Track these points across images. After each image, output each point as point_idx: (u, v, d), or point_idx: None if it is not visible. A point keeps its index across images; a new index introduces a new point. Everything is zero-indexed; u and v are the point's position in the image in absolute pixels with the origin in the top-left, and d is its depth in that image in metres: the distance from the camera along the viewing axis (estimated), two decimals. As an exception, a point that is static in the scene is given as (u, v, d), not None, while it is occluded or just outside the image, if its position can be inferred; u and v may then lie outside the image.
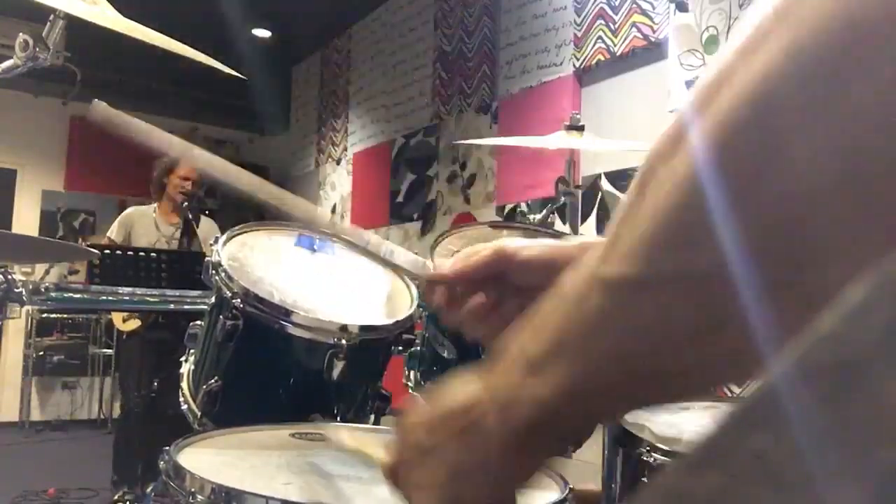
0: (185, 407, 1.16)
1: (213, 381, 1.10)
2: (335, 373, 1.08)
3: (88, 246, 3.67)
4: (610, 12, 3.48)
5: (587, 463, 1.37)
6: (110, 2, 1.17)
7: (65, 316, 6.38)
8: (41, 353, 6.30)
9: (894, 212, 0.26)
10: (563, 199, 2.13)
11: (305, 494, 0.73)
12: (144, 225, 3.79)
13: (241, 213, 5.67)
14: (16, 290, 1.26)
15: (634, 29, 3.34)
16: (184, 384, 1.19)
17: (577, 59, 3.66)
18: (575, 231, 2.29)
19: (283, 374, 1.13)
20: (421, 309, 1.20)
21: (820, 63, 0.27)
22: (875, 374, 0.17)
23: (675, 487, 0.21)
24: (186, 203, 3.74)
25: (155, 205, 3.86)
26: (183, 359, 1.24)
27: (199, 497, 0.71)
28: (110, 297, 1.86)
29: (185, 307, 1.63)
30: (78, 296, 1.78)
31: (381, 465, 0.51)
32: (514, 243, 0.62)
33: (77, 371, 6.45)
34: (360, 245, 0.71)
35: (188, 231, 3.78)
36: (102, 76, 5.49)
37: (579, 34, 3.65)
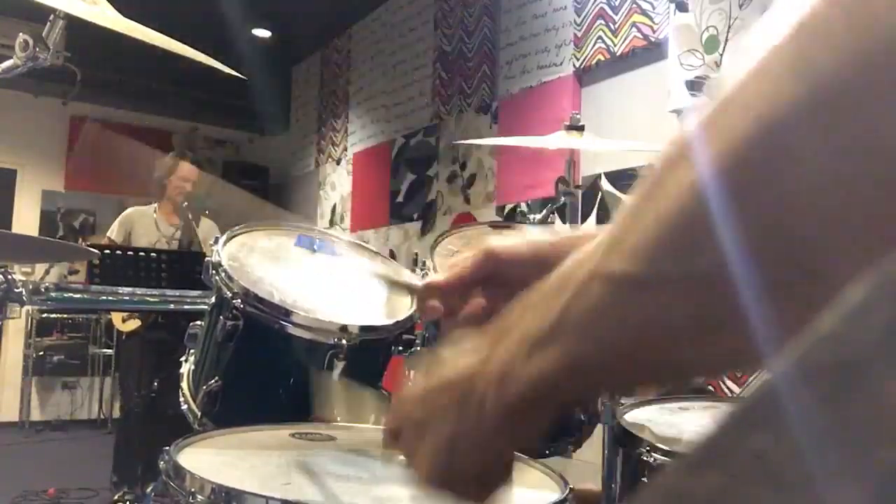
0: (185, 407, 1.16)
1: (213, 381, 1.10)
2: (335, 373, 1.08)
3: (88, 246, 3.67)
4: (610, 12, 3.48)
5: (587, 463, 1.37)
6: (110, 2, 1.17)
7: (65, 316, 6.38)
8: (41, 353, 6.30)
9: (894, 225, 0.27)
10: (563, 199, 2.13)
11: (305, 494, 0.73)
12: (145, 225, 3.79)
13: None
14: (16, 290, 1.26)
15: (634, 29, 3.34)
16: (184, 384, 1.19)
17: (577, 59, 3.66)
18: (575, 231, 2.29)
19: (283, 374, 1.13)
20: (418, 319, 1.20)
21: (831, 87, 0.27)
22: (875, 374, 0.17)
23: (675, 487, 0.21)
24: (186, 203, 3.75)
25: (155, 205, 3.86)
26: (183, 359, 1.24)
27: (199, 497, 0.71)
28: (110, 297, 1.86)
29: (185, 307, 1.63)
30: (78, 296, 1.78)
31: (382, 431, 0.53)
32: (501, 241, 0.63)
33: (77, 371, 6.45)
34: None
35: (188, 231, 3.78)
36: (102, 76, 5.49)
37: (579, 34, 3.65)
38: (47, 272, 5.62)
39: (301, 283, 1.19)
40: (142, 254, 3.18)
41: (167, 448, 0.81)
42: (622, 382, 0.46)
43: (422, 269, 1.25)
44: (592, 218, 3.45)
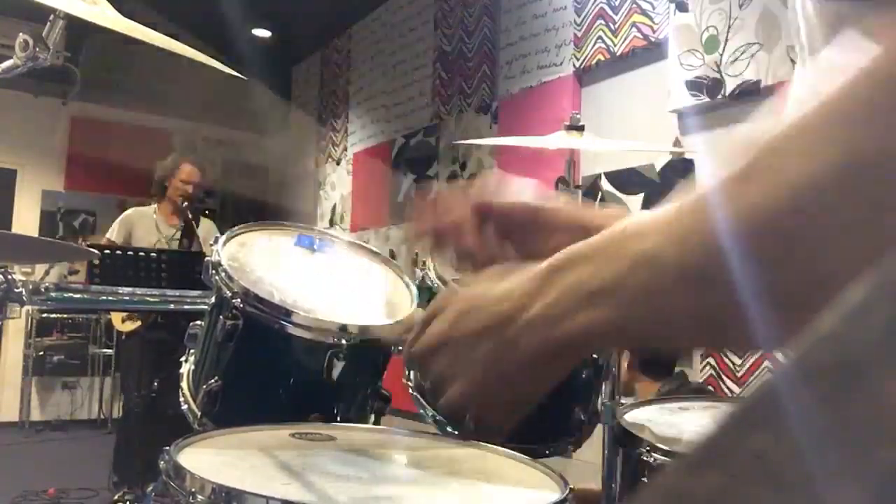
0: (185, 407, 1.16)
1: (213, 381, 1.10)
2: (335, 373, 1.08)
3: (88, 246, 3.67)
4: (610, 12, 3.48)
5: (587, 463, 1.37)
6: (110, 2, 1.17)
7: (65, 316, 6.38)
8: (41, 353, 6.30)
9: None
10: (563, 199, 2.13)
11: (305, 494, 0.73)
12: (145, 226, 3.79)
13: (241, 214, 5.67)
14: (16, 290, 1.26)
15: (634, 29, 3.34)
16: (184, 384, 1.19)
17: (577, 59, 3.66)
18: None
19: (283, 374, 1.13)
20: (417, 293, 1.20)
21: (872, 159, 0.29)
22: (875, 374, 0.17)
23: (675, 487, 0.21)
24: (186, 203, 3.75)
25: (155, 206, 3.86)
26: (183, 359, 1.24)
27: (199, 497, 0.71)
28: (110, 297, 1.86)
29: (185, 307, 1.63)
30: (78, 296, 1.78)
31: (407, 341, 0.56)
32: (496, 193, 0.66)
33: (77, 371, 6.45)
34: None
35: (188, 232, 3.78)
36: (102, 76, 5.49)
37: (579, 34, 3.65)
38: (47, 272, 5.61)
39: (301, 283, 1.19)
40: (142, 254, 3.18)
41: (167, 448, 0.81)
42: (653, 346, 0.53)
43: (422, 269, 1.25)
44: (592, 218, 3.44)
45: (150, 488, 0.93)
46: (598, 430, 1.19)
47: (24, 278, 1.31)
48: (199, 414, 1.11)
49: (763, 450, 0.19)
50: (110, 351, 6.24)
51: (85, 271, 3.77)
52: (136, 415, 3.51)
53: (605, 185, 3.41)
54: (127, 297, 1.82)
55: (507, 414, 0.52)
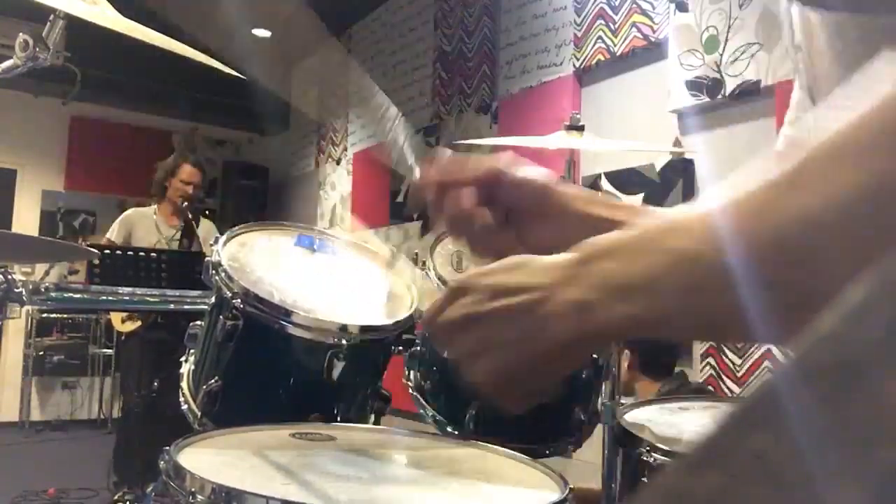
0: (185, 407, 1.16)
1: (213, 381, 1.10)
2: (335, 373, 1.08)
3: (88, 246, 3.67)
4: (610, 12, 3.48)
5: (587, 463, 1.37)
6: (110, 2, 1.17)
7: (65, 316, 6.38)
8: (41, 353, 6.30)
9: None
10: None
11: (305, 494, 0.73)
12: (145, 227, 3.79)
13: (241, 214, 5.67)
14: (16, 290, 1.26)
15: (634, 29, 3.34)
16: (184, 384, 1.19)
17: (577, 59, 3.66)
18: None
19: (283, 374, 1.13)
20: (418, 319, 1.20)
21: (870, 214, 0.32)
22: (875, 374, 0.17)
23: (675, 487, 0.21)
24: (186, 204, 3.75)
25: (155, 206, 3.86)
26: (183, 359, 1.24)
27: (199, 497, 0.71)
28: (110, 297, 1.86)
29: (185, 307, 1.63)
30: (78, 296, 1.78)
31: (427, 311, 0.56)
32: (511, 165, 0.65)
33: (77, 371, 6.45)
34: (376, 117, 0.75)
35: (188, 233, 3.78)
36: (102, 76, 5.49)
37: (579, 34, 3.65)
38: (47, 272, 5.61)
39: (301, 283, 1.19)
40: (142, 254, 3.18)
41: (167, 448, 0.81)
42: (682, 339, 0.56)
43: (422, 269, 1.25)
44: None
45: (150, 488, 0.93)
46: (598, 430, 1.19)
47: (24, 278, 1.31)
48: (199, 414, 1.11)
49: (763, 450, 0.19)
50: (110, 351, 6.24)
51: (85, 271, 3.77)
52: (136, 415, 3.51)
53: (606, 184, 3.41)
54: (127, 297, 1.82)
55: (524, 398, 0.53)
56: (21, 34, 1.08)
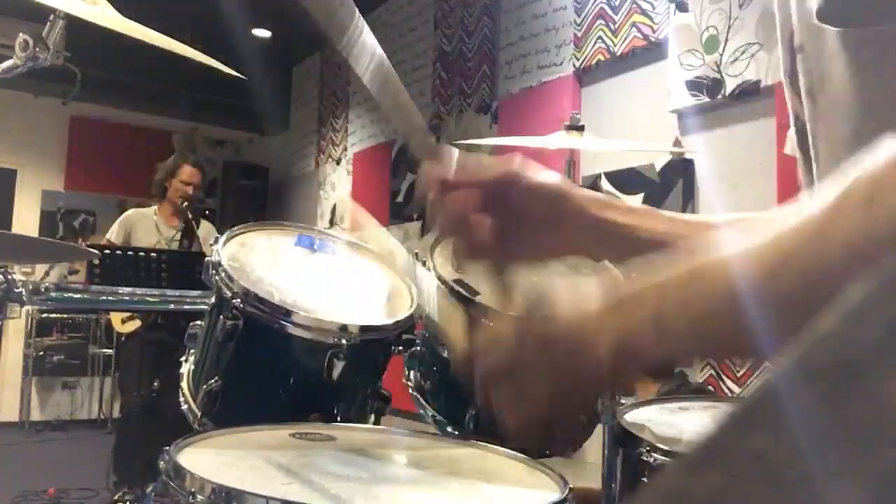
0: (185, 407, 1.16)
1: (213, 381, 1.10)
2: (335, 373, 1.08)
3: (88, 246, 3.67)
4: (610, 12, 3.48)
5: (587, 463, 1.37)
6: (110, 2, 1.17)
7: (65, 316, 6.38)
8: (41, 353, 6.30)
9: None
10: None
11: (305, 494, 0.73)
12: (145, 227, 3.79)
13: (241, 214, 5.66)
14: (16, 290, 1.26)
15: (634, 29, 3.34)
16: (184, 384, 1.19)
17: (577, 59, 3.66)
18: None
19: (283, 374, 1.13)
20: (418, 319, 1.20)
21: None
22: (875, 374, 0.17)
23: (675, 487, 0.21)
24: (186, 204, 3.75)
25: (155, 207, 3.86)
26: (183, 359, 1.24)
27: (199, 497, 0.71)
28: (110, 297, 1.86)
29: (185, 307, 1.63)
30: (78, 296, 1.78)
31: (458, 357, 0.55)
32: (525, 169, 0.63)
33: (77, 371, 6.45)
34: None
35: (188, 233, 3.78)
36: (102, 76, 5.49)
37: (579, 34, 3.65)
38: (47, 272, 5.62)
39: (301, 283, 1.19)
40: (142, 254, 3.18)
41: (167, 448, 0.81)
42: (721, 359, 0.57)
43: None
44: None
45: (150, 488, 0.93)
46: (598, 430, 1.19)
47: (24, 278, 1.31)
48: (199, 414, 1.11)
49: (763, 450, 0.19)
50: (110, 351, 6.24)
51: (85, 271, 3.77)
52: (136, 415, 3.51)
53: (606, 185, 3.41)
54: (127, 297, 1.82)
55: (553, 444, 0.55)
56: (21, 34, 1.08)
